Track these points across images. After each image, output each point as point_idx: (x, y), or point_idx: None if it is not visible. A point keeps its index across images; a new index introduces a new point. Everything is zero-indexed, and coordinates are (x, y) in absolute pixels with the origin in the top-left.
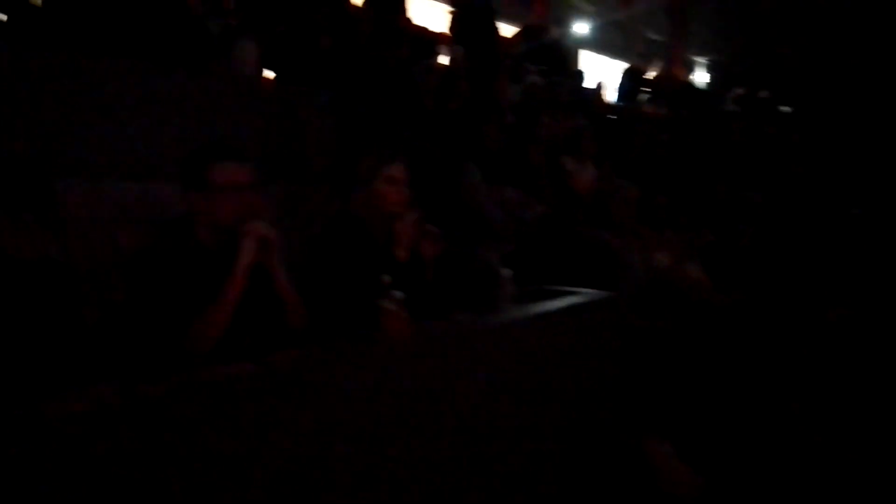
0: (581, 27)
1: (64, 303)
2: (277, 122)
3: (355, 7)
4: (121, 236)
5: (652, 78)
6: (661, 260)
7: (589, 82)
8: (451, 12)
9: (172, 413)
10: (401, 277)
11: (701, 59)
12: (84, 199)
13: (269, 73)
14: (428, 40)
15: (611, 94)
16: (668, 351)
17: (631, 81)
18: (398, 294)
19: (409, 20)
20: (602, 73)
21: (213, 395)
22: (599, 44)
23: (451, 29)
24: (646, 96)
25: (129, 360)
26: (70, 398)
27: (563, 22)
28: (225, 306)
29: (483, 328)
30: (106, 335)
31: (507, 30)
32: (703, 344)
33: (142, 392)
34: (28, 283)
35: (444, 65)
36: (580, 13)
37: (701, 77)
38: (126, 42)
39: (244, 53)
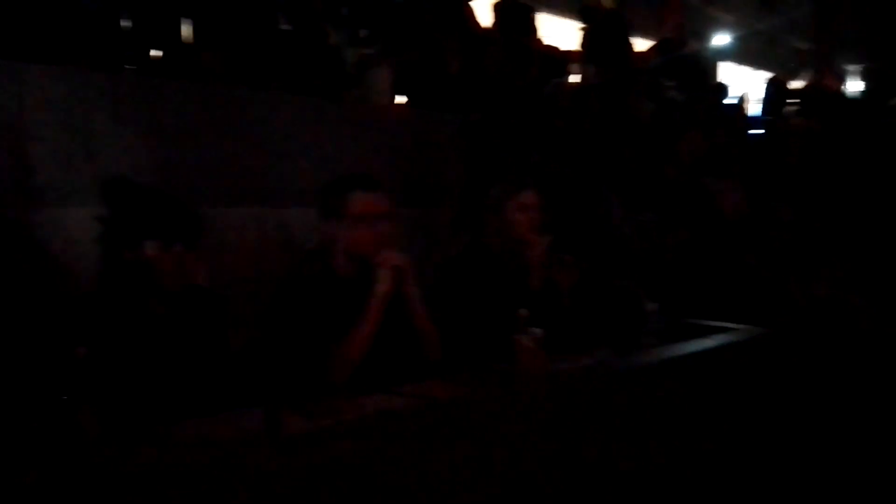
0: (720, 38)
1: (211, 330)
2: (408, 147)
3: (484, 29)
4: (263, 262)
5: (799, 89)
6: (821, 289)
7: (730, 96)
8: (582, 29)
9: (328, 448)
10: (534, 307)
11: (853, 67)
12: (231, 225)
13: (401, 99)
14: (558, 59)
15: (754, 108)
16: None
17: (776, 93)
18: (537, 331)
19: (538, 40)
20: (743, 85)
21: (368, 431)
22: (739, 54)
23: (583, 46)
24: (793, 108)
25: (271, 387)
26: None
27: (701, 34)
28: (362, 336)
29: (626, 369)
30: (249, 361)
31: (640, 44)
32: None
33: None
34: (178, 313)
35: (575, 83)
36: (718, 24)
37: (854, 86)
38: (265, 73)
39: (378, 81)
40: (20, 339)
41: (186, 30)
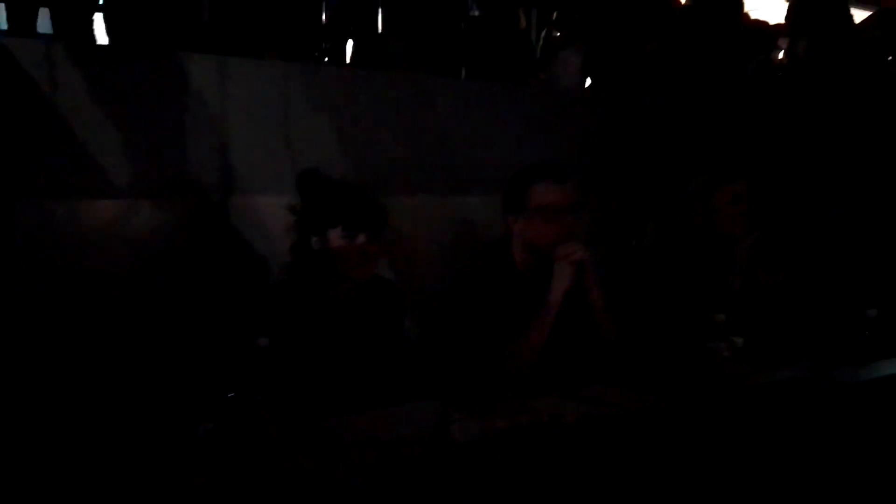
0: None
1: (391, 321)
2: (598, 133)
3: (681, 5)
4: (449, 252)
5: None
6: None
7: None
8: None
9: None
10: (734, 309)
11: None
12: (419, 215)
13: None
14: (766, 33)
15: None
16: None
17: None
18: (738, 341)
19: (745, 14)
20: None
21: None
22: None
23: (790, 18)
24: None
25: (445, 382)
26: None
27: None
28: (541, 331)
29: (839, 384)
30: (426, 354)
31: (859, 15)
32: None
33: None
34: (361, 302)
35: (783, 60)
36: None
37: None
38: (454, 60)
39: (566, 64)
40: (208, 327)
41: (379, 20)
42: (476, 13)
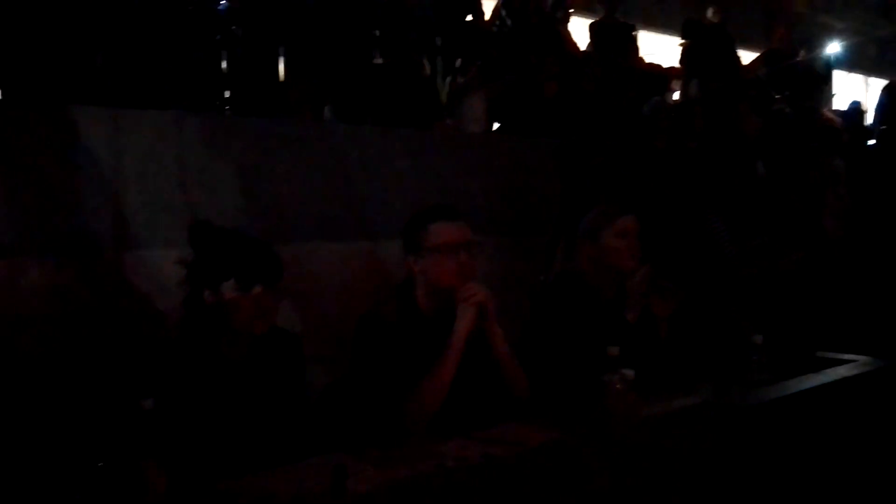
0: (831, 47)
1: (288, 374)
2: (504, 174)
3: (582, 51)
4: (357, 298)
5: None
6: None
7: (842, 105)
8: (683, 44)
9: None
10: (630, 342)
11: None
12: (325, 261)
13: (497, 126)
14: (660, 77)
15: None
16: None
17: (893, 100)
18: (629, 373)
19: (639, 59)
20: (856, 93)
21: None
22: (852, 62)
23: (684, 62)
24: None
25: (347, 433)
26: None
27: (811, 42)
28: (442, 377)
29: (726, 410)
30: (327, 405)
31: (747, 57)
32: None
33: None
34: (255, 356)
35: (677, 101)
36: (829, 31)
37: None
38: (359, 107)
39: (473, 108)
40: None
41: (281, 68)
42: (379, 60)
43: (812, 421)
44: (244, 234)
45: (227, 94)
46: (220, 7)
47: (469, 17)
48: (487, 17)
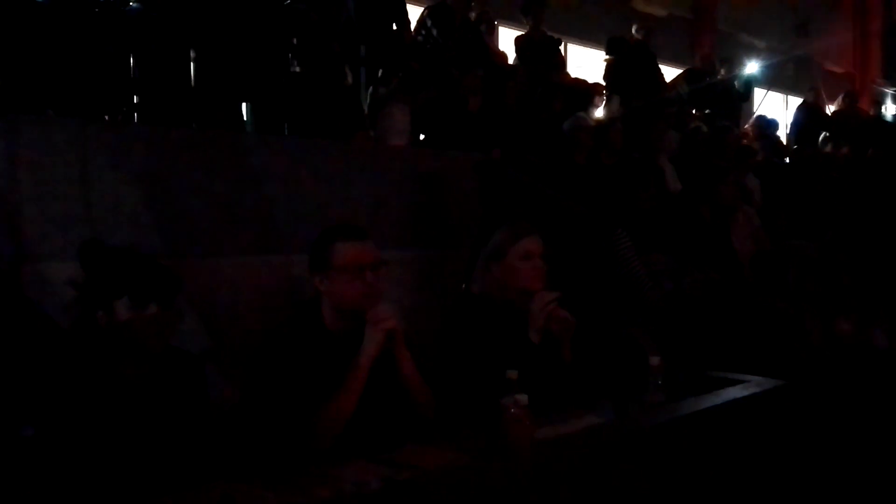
0: (750, 66)
1: (189, 394)
2: (424, 188)
3: (508, 64)
4: (269, 312)
5: (832, 114)
6: (844, 327)
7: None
8: (607, 60)
9: None
10: (534, 363)
11: (889, 90)
12: (237, 275)
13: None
14: (584, 92)
15: (785, 133)
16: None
17: (807, 118)
18: (522, 399)
19: (564, 73)
20: (775, 111)
21: None
22: (771, 80)
23: (608, 78)
24: (825, 134)
25: (250, 454)
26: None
27: (732, 60)
28: (349, 397)
29: (618, 433)
30: (232, 424)
31: (671, 72)
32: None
33: None
34: (151, 377)
35: (598, 118)
36: (750, 50)
37: (890, 109)
38: (277, 117)
39: (395, 120)
40: None
41: (192, 74)
42: (297, 69)
43: (705, 442)
44: (137, 252)
45: (135, 100)
46: (129, 9)
47: (394, 27)
48: (413, 27)
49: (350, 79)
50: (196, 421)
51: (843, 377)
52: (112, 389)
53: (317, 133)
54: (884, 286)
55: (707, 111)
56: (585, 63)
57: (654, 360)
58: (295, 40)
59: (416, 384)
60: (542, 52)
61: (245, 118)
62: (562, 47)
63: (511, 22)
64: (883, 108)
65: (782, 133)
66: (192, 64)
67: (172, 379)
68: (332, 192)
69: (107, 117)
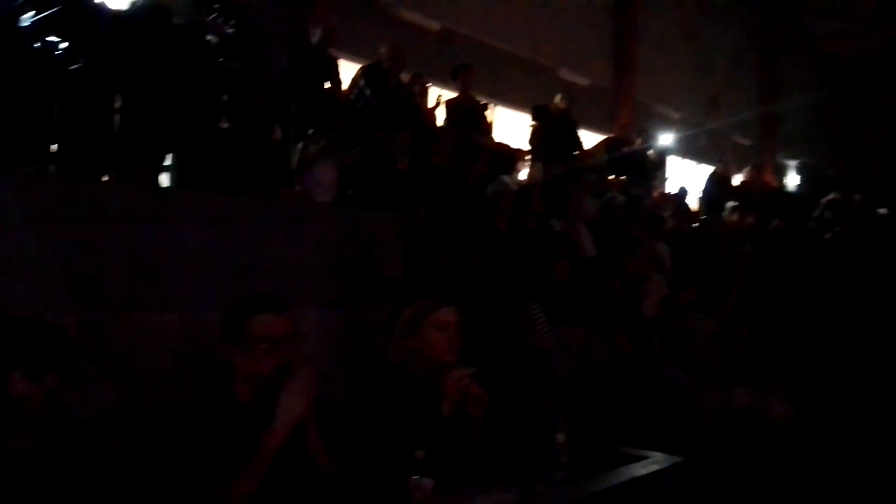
0: (664, 137)
1: (86, 467)
2: (349, 246)
3: (437, 126)
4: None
5: (739, 184)
6: (742, 397)
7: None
8: (533, 126)
9: None
10: (444, 436)
11: (792, 163)
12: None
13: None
14: (509, 156)
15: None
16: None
17: (716, 187)
18: (427, 482)
19: (490, 137)
20: (688, 178)
21: None
22: (686, 150)
23: (532, 143)
24: (732, 204)
25: None
26: None
27: (647, 131)
28: (252, 475)
29: None
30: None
31: (593, 138)
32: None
33: None
34: (46, 450)
35: (521, 182)
36: (666, 121)
37: (792, 181)
38: (202, 172)
39: (320, 178)
40: None
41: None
42: (225, 125)
43: None
44: (36, 319)
45: (54, 148)
46: (57, 53)
47: (326, 85)
48: (346, 86)
49: (279, 135)
50: (92, 496)
51: (741, 449)
52: (2, 461)
53: (242, 189)
54: (781, 358)
55: (623, 178)
56: (514, 126)
57: (560, 438)
58: (225, 97)
59: (321, 458)
60: (469, 116)
61: (169, 171)
62: (491, 111)
63: (445, 84)
64: (785, 179)
65: (693, 200)
66: (116, 114)
67: (67, 450)
68: (256, 249)
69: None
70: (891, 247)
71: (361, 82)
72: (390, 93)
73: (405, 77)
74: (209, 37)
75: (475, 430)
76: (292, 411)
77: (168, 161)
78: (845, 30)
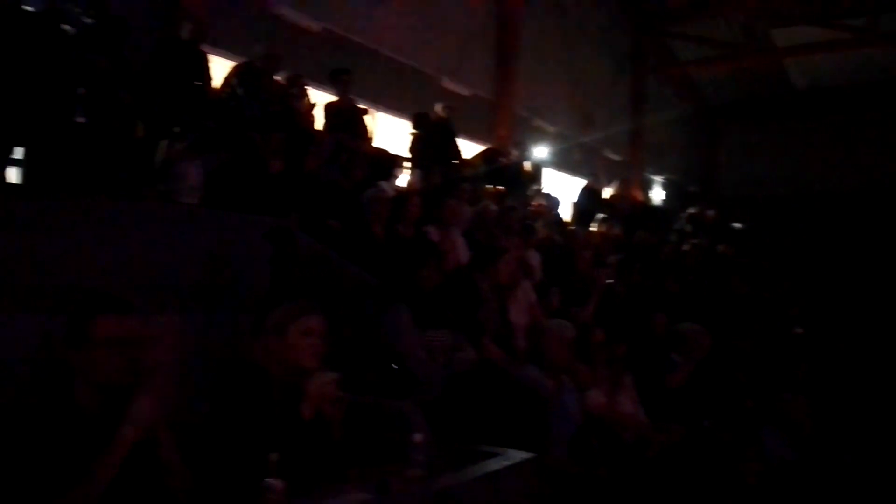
0: (541, 150)
1: None
2: (215, 249)
3: (315, 131)
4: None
5: (609, 197)
6: (596, 398)
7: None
8: (413, 134)
9: None
10: (304, 437)
11: (657, 178)
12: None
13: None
14: (387, 162)
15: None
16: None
17: (588, 200)
18: (279, 484)
19: (368, 142)
20: (563, 189)
21: None
22: (561, 163)
23: (412, 151)
24: (601, 216)
25: None
26: None
27: (525, 143)
28: (97, 482)
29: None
30: None
31: (472, 147)
32: (641, 489)
33: None
34: None
35: (398, 188)
36: (543, 134)
37: (657, 195)
38: (53, 169)
39: (187, 177)
40: None
41: None
42: (82, 119)
43: None
44: None
45: None
46: None
47: (196, 82)
48: (218, 84)
49: (142, 132)
50: None
51: (593, 446)
52: None
53: (100, 188)
54: (633, 361)
55: (499, 188)
56: (394, 132)
57: (417, 437)
58: (83, 90)
59: (174, 468)
60: (348, 120)
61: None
62: (371, 116)
63: (325, 87)
64: (651, 194)
65: (566, 212)
66: None
67: None
68: (116, 252)
69: None
70: (741, 257)
71: (234, 81)
72: (264, 93)
73: (282, 78)
74: (65, 26)
75: (335, 432)
76: (142, 418)
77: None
78: (708, 57)
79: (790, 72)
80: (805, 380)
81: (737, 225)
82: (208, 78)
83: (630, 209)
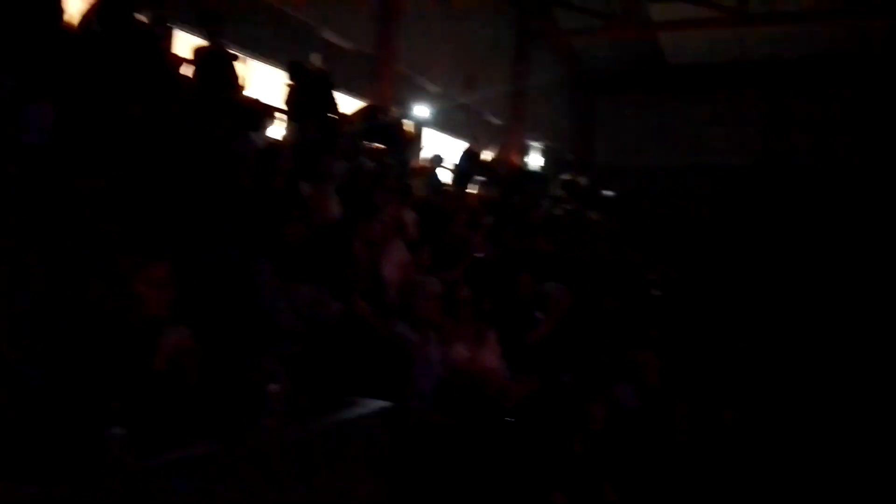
0: (422, 110)
1: None
2: (58, 193)
3: (181, 76)
4: None
5: (488, 161)
6: (460, 351)
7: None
8: (289, 85)
9: None
10: (156, 388)
11: (536, 144)
12: None
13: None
14: (258, 112)
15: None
16: (466, 449)
17: (468, 163)
18: (119, 432)
19: (238, 91)
20: (444, 150)
21: None
22: (443, 123)
23: (287, 103)
24: (480, 178)
25: None
26: None
27: (407, 102)
28: None
29: (223, 457)
30: None
31: (353, 103)
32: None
33: None
34: None
35: (270, 140)
36: (425, 94)
37: (535, 161)
38: None
39: (35, 118)
40: None
41: None
42: None
43: (313, 459)
44: None
45: None
46: None
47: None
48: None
49: None
50: None
51: (455, 398)
52: None
53: None
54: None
55: (378, 146)
56: (268, 83)
57: (274, 388)
58: None
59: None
60: (218, 67)
61: None
62: (242, 64)
63: (194, 31)
64: (528, 159)
65: (446, 173)
66: None
67: None
68: None
69: None
70: (610, 223)
71: (91, 17)
72: (124, 31)
73: (144, 18)
74: None
75: (189, 383)
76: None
77: None
78: (588, 27)
79: (664, 46)
80: (658, 338)
81: (608, 192)
82: (60, 13)
83: (508, 173)
